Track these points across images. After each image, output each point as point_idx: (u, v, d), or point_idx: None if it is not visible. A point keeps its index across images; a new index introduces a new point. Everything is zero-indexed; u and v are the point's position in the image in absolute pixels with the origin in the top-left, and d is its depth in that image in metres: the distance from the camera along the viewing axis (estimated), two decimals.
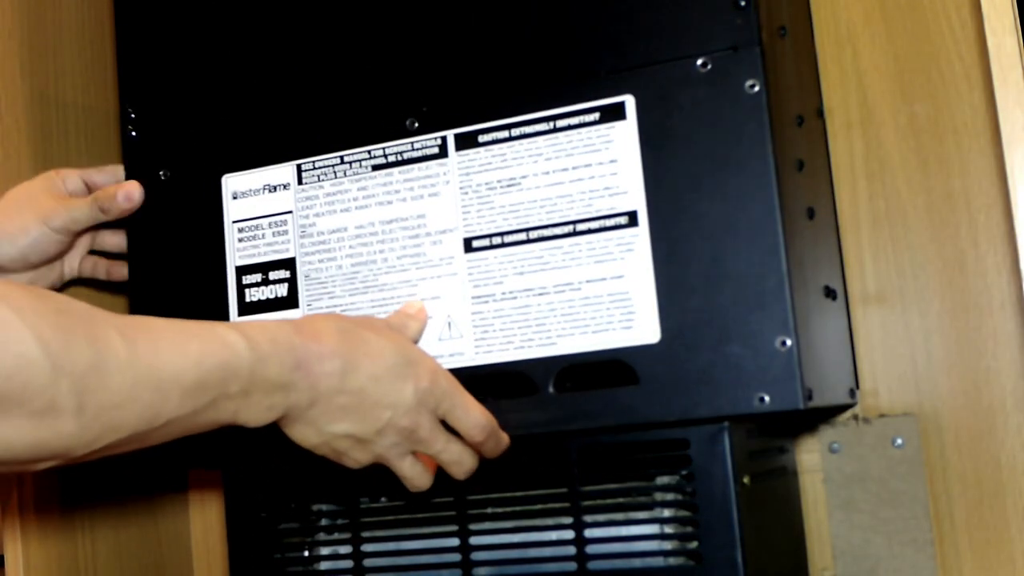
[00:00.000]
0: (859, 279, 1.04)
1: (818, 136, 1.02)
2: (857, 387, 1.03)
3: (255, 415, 0.74)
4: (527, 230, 0.86)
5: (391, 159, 0.91)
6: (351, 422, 0.79)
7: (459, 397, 0.82)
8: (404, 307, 0.88)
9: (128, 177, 1.00)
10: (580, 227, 0.85)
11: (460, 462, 0.84)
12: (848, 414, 1.04)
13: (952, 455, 1.01)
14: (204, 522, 1.23)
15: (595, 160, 0.85)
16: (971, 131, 1.01)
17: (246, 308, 0.95)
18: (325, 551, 0.96)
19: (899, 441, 1.02)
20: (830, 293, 0.95)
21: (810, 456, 1.06)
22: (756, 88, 0.81)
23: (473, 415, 0.83)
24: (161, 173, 0.98)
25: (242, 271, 0.96)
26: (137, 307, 1.00)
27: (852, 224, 1.05)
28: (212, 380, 0.69)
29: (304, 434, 0.79)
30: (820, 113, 1.04)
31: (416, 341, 0.87)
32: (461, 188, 0.89)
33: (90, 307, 0.65)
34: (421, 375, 0.80)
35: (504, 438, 0.85)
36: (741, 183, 0.81)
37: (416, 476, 0.84)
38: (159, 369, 0.66)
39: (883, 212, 1.04)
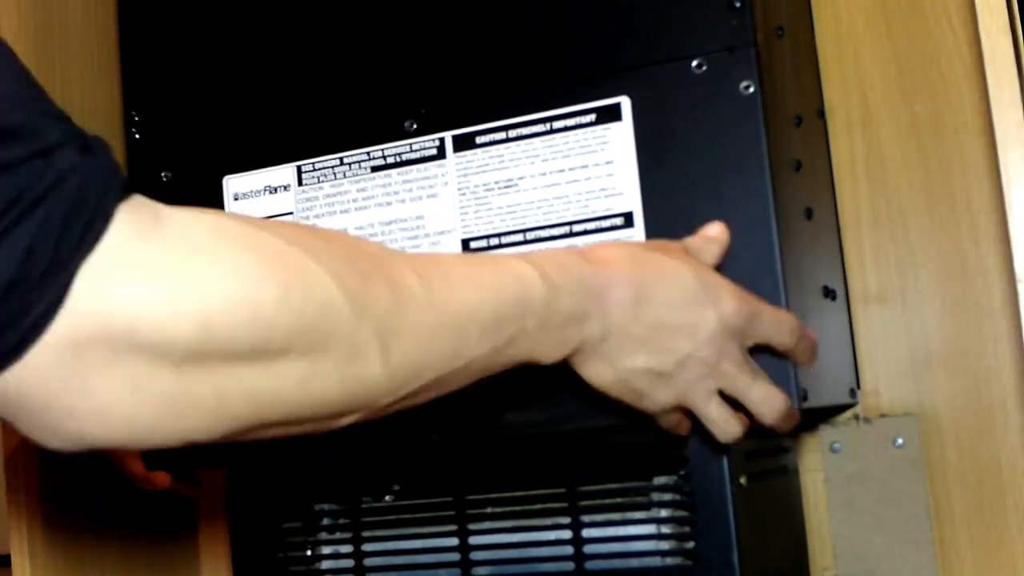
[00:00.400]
0: (859, 279, 1.04)
1: (818, 136, 1.02)
2: (858, 387, 1.03)
3: (550, 350, 0.69)
4: (524, 231, 0.87)
5: (390, 160, 0.92)
6: (648, 354, 0.72)
7: (766, 312, 0.76)
8: (703, 229, 0.80)
9: (131, 178, 1.01)
10: (576, 228, 0.85)
11: (770, 401, 0.77)
12: (849, 414, 1.04)
13: (952, 455, 1.01)
14: (211, 520, 1.23)
15: (591, 161, 0.85)
16: (971, 131, 1.01)
17: None
18: (327, 550, 0.96)
19: (900, 441, 1.02)
20: (829, 293, 0.95)
21: (811, 456, 1.06)
22: (751, 89, 0.81)
23: (784, 320, 0.77)
24: (163, 175, 0.99)
25: None
26: None
27: (852, 224, 1.05)
28: (509, 315, 0.65)
29: (598, 371, 0.73)
30: (820, 113, 1.04)
31: (716, 266, 0.79)
32: (459, 189, 0.89)
33: (381, 247, 0.63)
34: (723, 299, 0.73)
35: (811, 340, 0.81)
36: (737, 184, 0.81)
37: (724, 421, 0.77)
38: (457, 306, 0.63)
39: (883, 212, 1.04)
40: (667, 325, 0.72)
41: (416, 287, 0.60)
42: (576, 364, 0.73)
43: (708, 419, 0.76)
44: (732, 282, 0.75)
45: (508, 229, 0.87)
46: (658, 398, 0.75)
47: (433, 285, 0.61)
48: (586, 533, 0.88)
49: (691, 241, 0.79)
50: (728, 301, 0.73)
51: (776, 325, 0.76)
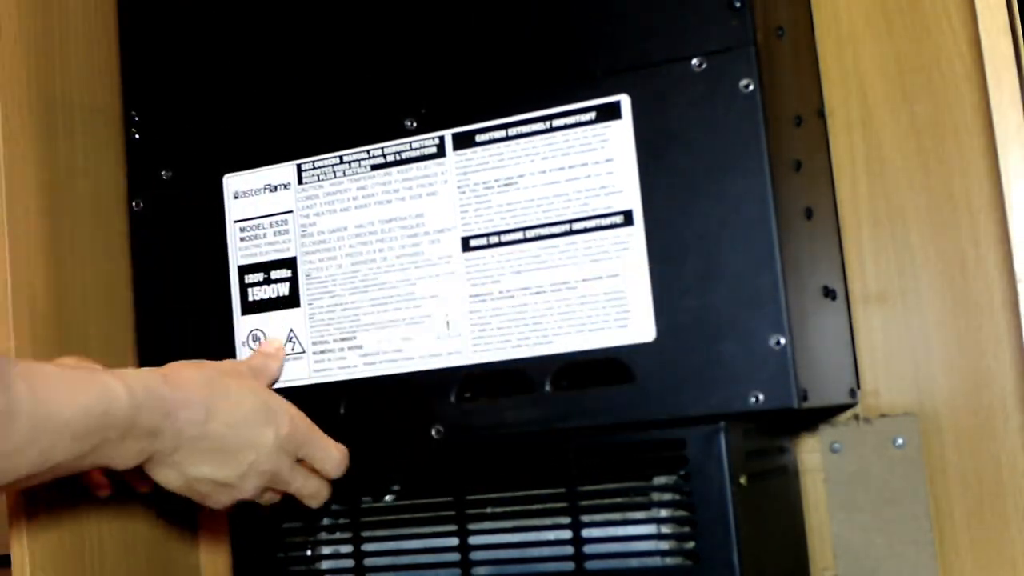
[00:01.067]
0: (859, 279, 1.04)
1: (818, 136, 1.02)
2: (858, 387, 1.03)
3: (126, 459, 0.78)
4: (524, 229, 0.87)
5: (390, 159, 0.92)
6: (213, 466, 0.83)
7: (317, 439, 0.88)
8: (262, 346, 0.94)
9: (131, 177, 1.02)
10: (576, 226, 0.85)
11: (317, 495, 0.90)
12: (849, 414, 1.04)
13: (952, 455, 1.01)
14: (211, 521, 1.23)
15: (591, 159, 0.85)
16: (971, 131, 1.01)
17: (249, 307, 0.96)
18: (327, 550, 0.96)
19: (900, 441, 1.01)
20: (829, 293, 0.95)
21: (811, 456, 1.06)
22: (751, 88, 0.81)
23: (332, 455, 0.89)
24: (163, 173, 0.99)
25: (244, 270, 0.96)
26: (142, 307, 1.01)
27: (852, 224, 1.05)
28: (97, 426, 0.74)
29: (167, 477, 0.83)
30: (820, 113, 1.04)
31: (277, 379, 0.93)
32: (459, 187, 0.89)
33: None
34: (281, 421, 0.85)
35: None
36: (736, 183, 0.82)
37: (267, 503, 0.90)
38: (55, 415, 0.71)
39: (883, 212, 1.04)
40: (232, 442, 0.83)
41: (24, 394, 0.69)
42: (148, 468, 0.82)
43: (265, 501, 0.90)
44: (291, 405, 0.88)
45: (508, 227, 0.87)
46: (220, 499, 0.86)
47: (37, 394, 0.70)
48: (586, 533, 0.88)
49: (254, 360, 0.92)
50: (283, 423, 0.85)
51: (325, 456, 0.89)
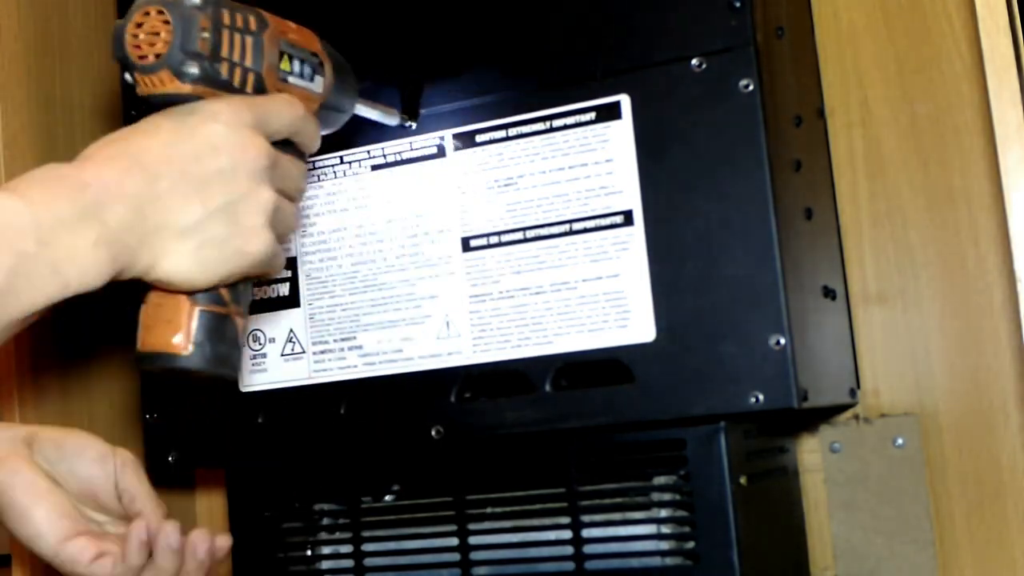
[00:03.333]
0: (859, 279, 1.04)
1: (818, 136, 1.02)
2: (858, 387, 1.02)
3: (82, 264, 0.62)
4: (524, 229, 0.87)
5: (390, 159, 0.92)
6: (196, 202, 0.66)
7: (263, 101, 0.71)
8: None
9: None
10: (576, 226, 0.85)
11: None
12: (849, 414, 1.04)
13: (952, 455, 1.01)
14: (211, 520, 1.23)
15: (591, 160, 0.85)
16: (971, 131, 1.01)
17: (249, 307, 0.96)
18: (327, 550, 0.96)
19: (900, 441, 1.01)
20: (829, 293, 0.95)
21: (811, 456, 1.06)
22: (750, 88, 0.81)
23: (283, 105, 0.72)
24: None
25: None
26: None
27: (852, 224, 1.05)
28: None
29: (174, 261, 0.66)
30: (820, 113, 1.04)
31: None
32: (459, 188, 0.89)
33: None
34: (220, 108, 0.68)
35: None
36: (736, 183, 0.82)
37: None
38: None
39: (883, 212, 1.04)
40: (181, 159, 0.66)
41: None
42: (147, 271, 0.65)
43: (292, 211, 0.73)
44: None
45: (508, 227, 0.87)
46: (249, 225, 0.68)
47: None
48: (586, 533, 0.88)
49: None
50: (219, 104, 0.68)
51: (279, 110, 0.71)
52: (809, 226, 0.92)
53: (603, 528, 0.88)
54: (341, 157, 0.93)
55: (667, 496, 0.86)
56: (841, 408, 1.02)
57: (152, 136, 0.67)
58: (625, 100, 0.85)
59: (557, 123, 0.87)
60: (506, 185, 0.88)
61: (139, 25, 0.68)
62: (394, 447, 0.93)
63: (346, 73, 0.80)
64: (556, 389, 0.86)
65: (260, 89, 0.71)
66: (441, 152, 0.90)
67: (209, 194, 0.66)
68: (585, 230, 0.85)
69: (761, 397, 0.80)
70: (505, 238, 0.87)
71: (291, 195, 0.73)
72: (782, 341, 0.80)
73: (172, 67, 0.67)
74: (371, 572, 0.94)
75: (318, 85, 0.76)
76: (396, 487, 0.96)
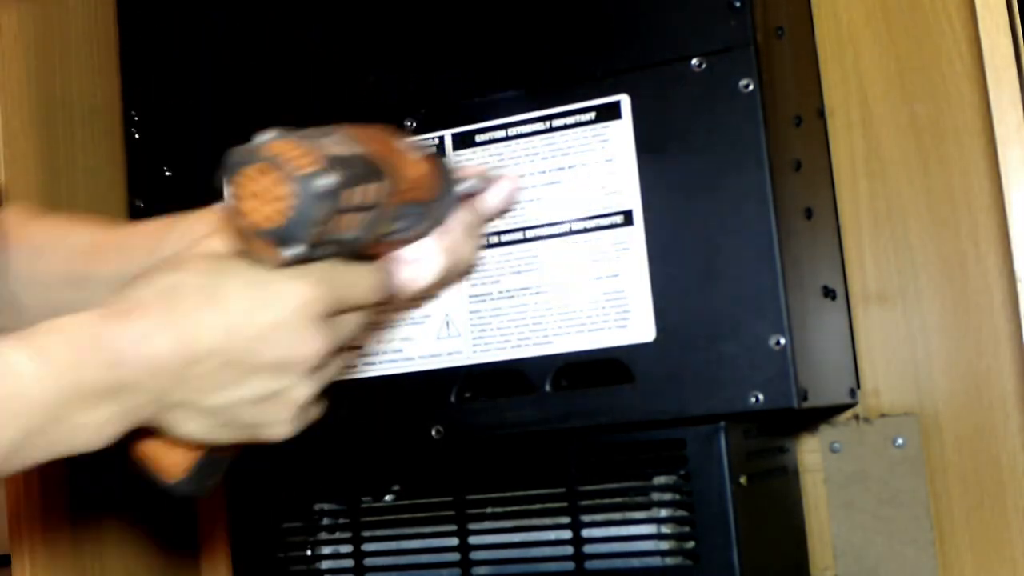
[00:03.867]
0: (859, 279, 1.04)
1: (818, 136, 1.02)
2: (858, 387, 1.03)
3: (88, 440, 0.59)
4: (524, 229, 0.87)
5: None
6: (236, 383, 0.62)
7: (346, 275, 0.66)
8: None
9: (131, 177, 1.02)
10: (576, 226, 0.85)
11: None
12: (849, 414, 1.04)
13: (952, 455, 1.01)
14: (211, 520, 1.23)
15: (591, 160, 0.85)
16: (971, 131, 1.01)
17: None
18: (327, 550, 0.96)
19: (900, 441, 1.02)
20: (829, 293, 0.95)
21: (811, 456, 1.06)
22: (750, 88, 0.81)
23: (365, 279, 0.67)
24: (164, 172, 0.99)
25: None
26: None
27: (852, 224, 1.05)
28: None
29: (190, 427, 0.63)
30: (820, 113, 1.04)
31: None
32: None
33: None
34: (297, 293, 0.63)
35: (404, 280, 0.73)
36: (736, 182, 0.81)
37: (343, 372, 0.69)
38: None
39: (883, 212, 1.04)
40: (233, 345, 0.61)
41: None
42: (157, 426, 0.63)
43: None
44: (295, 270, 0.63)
45: (508, 227, 0.87)
46: (280, 418, 0.65)
47: None
48: (586, 533, 0.88)
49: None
50: (298, 289, 0.62)
51: (361, 284, 0.67)
52: (809, 226, 0.92)
53: (603, 528, 0.88)
54: None
55: (667, 496, 0.86)
56: (841, 408, 1.02)
57: (215, 307, 0.61)
58: (625, 100, 0.85)
59: (557, 123, 0.87)
60: None
61: (263, 172, 0.60)
62: (394, 447, 0.93)
63: (448, 200, 0.75)
64: (556, 389, 0.86)
65: (354, 252, 0.66)
66: (441, 152, 0.90)
67: (248, 384, 0.62)
68: (585, 230, 0.85)
69: (761, 397, 0.80)
70: (505, 238, 0.87)
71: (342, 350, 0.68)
72: (782, 341, 0.80)
73: (277, 241, 0.60)
74: (371, 572, 0.94)
75: (412, 233, 0.72)
76: (396, 487, 0.96)
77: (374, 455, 0.95)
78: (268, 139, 0.61)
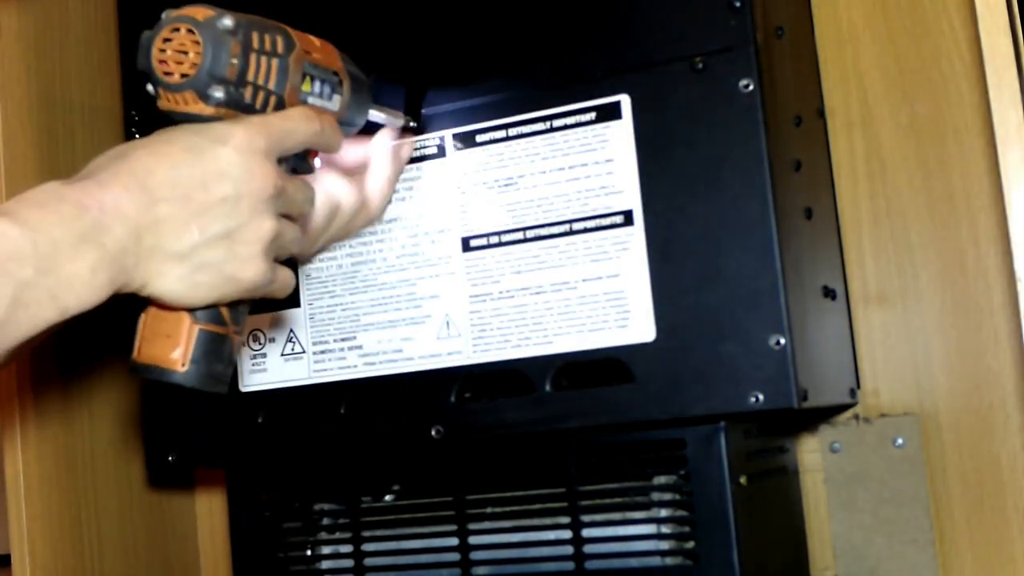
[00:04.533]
0: (859, 279, 1.04)
1: (818, 136, 1.02)
2: (858, 387, 1.03)
3: (81, 290, 0.63)
4: (524, 229, 0.87)
5: None
6: (196, 221, 0.67)
7: (281, 121, 0.72)
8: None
9: None
10: (576, 226, 0.85)
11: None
12: (849, 414, 1.04)
13: (952, 455, 1.01)
14: (211, 520, 1.23)
15: (591, 159, 0.85)
16: (971, 131, 1.01)
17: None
18: (327, 550, 0.96)
19: (900, 441, 1.01)
20: (829, 293, 0.95)
21: (811, 456, 1.06)
22: (750, 88, 0.81)
23: (301, 125, 0.74)
24: None
25: None
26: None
27: (852, 224, 1.05)
28: None
29: (166, 282, 0.67)
30: (820, 113, 1.04)
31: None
32: (459, 187, 0.89)
33: None
34: (227, 132, 0.69)
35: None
36: (736, 182, 0.82)
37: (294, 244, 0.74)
38: None
39: (883, 212, 1.04)
40: (187, 182, 0.67)
41: None
42: (142, 288, 0.67)
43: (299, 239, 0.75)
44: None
45: (508, 227, 0.87)
46: (247, 263, 0.69)
47: None
48: (586, 533, 0.88)
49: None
50: (234, 129, 0.69)
51: (310, 124, 0.74)
52: (809, 226, 0.92)
53: (603, 528, 0.88)
54: None
55: (667, 496, 0.86)
56: (841, 408, 1.02)
57: (160, 157, 0.67)
58: (625, 100, 0.85)
59: (557, 123, 0.87)
60: (506, 185, 0.88)
61: (167, 40, 0.68)
62: (394, 447, 0.93)
63: (363, 88, 0.81)
64: (556, 389, 0.86)
65: (280, 109, 0.73)
66: (441, 152, 0.90)
67: (208, 221, 0.67)
68: (585, 230, 0.85)
69: (761, 397, 0.80)
70: (505, 238, 0.87)
71: (296, 218, 0.75)
72: (782, 341, 0.80)
73: (198, 89, 0.68)
74: (371, 572, 0.94)
75: (335, 103, 0.78)
76: (396, 487, 0.96)
77: (374, 455, 0.95)
78: (169, 12, 0.69)
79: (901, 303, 1.03)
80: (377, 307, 0.91)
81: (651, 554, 0.86)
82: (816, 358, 0.88)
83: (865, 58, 1.05)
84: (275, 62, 0.71)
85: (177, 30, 0.68)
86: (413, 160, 0.91)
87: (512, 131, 0.88)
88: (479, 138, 0.89)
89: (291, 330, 0.94)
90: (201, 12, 0.69)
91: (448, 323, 0.89)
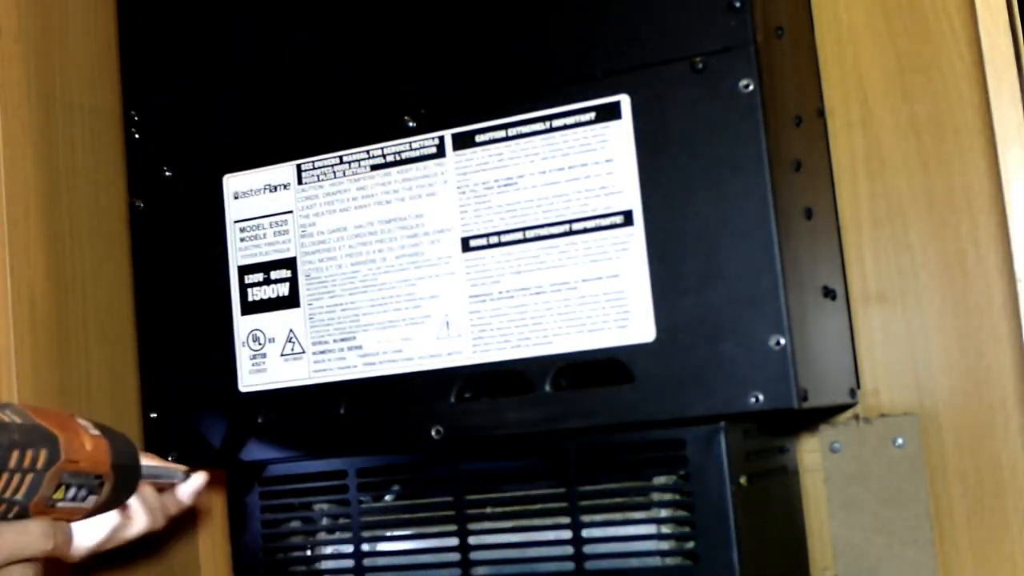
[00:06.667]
0: (859, 279, 1.04)
1: (818, 136, 1.02)
2: (858, 387, 1.03)
3: None
4: (524, 229, 0.87)
5: (389, 159, 0.92)
6: None
7: (10, 532, 0.71)
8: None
9: (131, 177, 1.02)
10: (576, 226, 0.85)
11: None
12: (849, 414, 1.04)
13: (952, 455, 1.01)
14: (211, 520, 1.23)
15: (591, 160, 0.85)
16: (971, 131, 1.01)
17: (249, 307, 0.96)
18: (327, 550, 0.96)
19: (900, 441, 1.01)
20: (829, 293, 0.95)
21: (811, 456, 1.06)
22: (750, 88, 0.81)
23: (31, 534, 0.72)
24: (163, 173, 0.99)
25: (244, 271, 0.96)
26: (142, 307, 1.01)
27: (852, 224, 1.05)
28: None
29: None
30: (820, 113, 1.04)
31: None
32: (458, 188, 0.89)
33: None
34: None
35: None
36: (736, 183, 0.81)
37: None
38: None
39: (883, 212, 1.04)
40: None
41: None
42: None
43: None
44: None
45: (508, 227, 0.87)
46: None
47: None
48: (586, 533, 0.88)
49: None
50: None
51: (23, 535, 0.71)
52: (809, 226, 0.92)
53: (603, 528, 0.88)
54: (341, 157, 0.93)
55: (667, 496, 0.86)
56: (841, 408, 1.02)
57: None
58: (625, 100, 0.85)
59: (557, 123, 0.87)
60: (506, 185, 0.88)
61: None
62: (394, 447, 0.93)
63: (128, 476, 0.79)
64: (556, 389, 0.86)
65: (21, 515, 0.70)
66: (441, 152, 0.90)
67: None
68: (585, 230, 0.85)
69: (761, 397, 0.80)
70: (505, 238, 0.87)
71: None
72: (782, 341, 0.80)
73: None
74: (371, 572, 0.94)
75: (90, 503, 0.75)
76: (396, 487, 0.96)
77: (374, 455, 0.95)
78: None
79: (901, 303, 1.03)
80: (377, 307, 0.91)
81: (651, 554, 0.86)
82: (816, 358, 0.88)
83: (865, 58, 1.05)
84: (29, 477, 0.68)
85: None
86: (413, 160, 0.91)
87: (512, 131, 0.88)
88: (479, 138, 0.89)
89: (291, 330, 0.94)
90: None
91: (448, 323, 0.89)
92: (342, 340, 0.92)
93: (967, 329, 1.01)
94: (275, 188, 0.95)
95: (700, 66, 0.83)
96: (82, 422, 0.74)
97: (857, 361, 1.03)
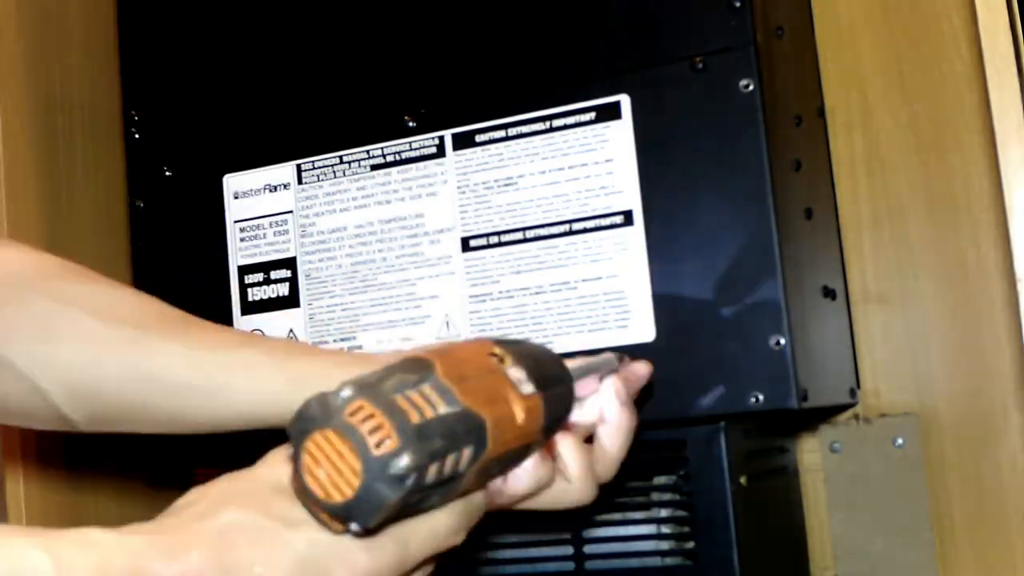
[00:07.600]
0: (859, 279, 1.04)
1: (818, 136, 1.02)
2: (858, 387, 1.02)
3: None
4: (524, 229, 0.87)
5: (389, 159, 0.92)
6: None
7: (419, 530, 0.56)
8: None
9: (131, 177, 1.02)
10: (576, 226, 0.85)
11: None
12: (849, 414, 1.04)
13: (952, 455, 1.01)
14: None
15: (591, 159, 0.85)
16: (971, 131, 1.01)
17: (249, 307, 0.96)
18: None
19: (900, 441, 1.01)
20: (829, 293, 0.95)
21: (811, 456, 1.06)
22: (751, 88, 0.81)
23: (440, 529, 0.58)
24: (164, 173, 0.99)
25: (244, 271, 0.96)
26: None
27: (852, 224, 1.05)
28: None
29: None
30: (820, 113, 1.04)
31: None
32: (458, 187, 0.89)
33: None
34: (356, 559, 0.53)
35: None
36: (736, 182, 0.81)
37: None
38: None
39: (883, 212, 1.04)
40: None
41: None
42: None
43: None
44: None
45: (508, 227, 0.87)
46: None
47: None
48: (586, 533, 0.88)
49: None
50: (357, 557, 0.53)
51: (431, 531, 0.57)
52: (809, 226, 0.92)
53: (603, 528, 0.88)
54: (341, 157, 0.93)
55: (667, 496, 0.86)
56: (841, 408, 1.02)
57: (269, 569, 0.51)
58: (625, 100, 0.85)
59: (557, 123, 0.87)
60: (506, 185, 0.88)
61: (333, 439, 0.50)
62: None
63: (562, 402, 0.62)
64: None
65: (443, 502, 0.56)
66: (441, 151, 0.90)
67: None
68: (585, 230, 0.85)
69: (761, 397, 0.80)
70: (505, 238, 0.87)
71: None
72: (782, 341, 0.80)
73: (339, 517, 0.51)
74: None
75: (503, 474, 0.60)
76: None
77: None
78: (346, 398, 0.51)
79: (901, 303, 1.03)
80: (377, 307, 0.91)
81: (651, 554, 0.86)
82: (816, 358, 0.88)
83: (865, 58, 1.05)
84: (452, 486, 0.54)
85: (339, 440, 0.50)
86: (413, 160, 0.91)
87: (512, 131, 0.88)
88: (479, 138, 0.89)
89: (291, 330, 0.94)
90: (379, 432, 0.49)
91: (448, 323, 0.89)
92: (342, 340, 0.92)
93: (967, 329, 1.01)
94: (275, 188, 0.96)
95: (700, 66, 0.83)
96: (512, 373, 0.57)
97: (857, 361, 1.03)
